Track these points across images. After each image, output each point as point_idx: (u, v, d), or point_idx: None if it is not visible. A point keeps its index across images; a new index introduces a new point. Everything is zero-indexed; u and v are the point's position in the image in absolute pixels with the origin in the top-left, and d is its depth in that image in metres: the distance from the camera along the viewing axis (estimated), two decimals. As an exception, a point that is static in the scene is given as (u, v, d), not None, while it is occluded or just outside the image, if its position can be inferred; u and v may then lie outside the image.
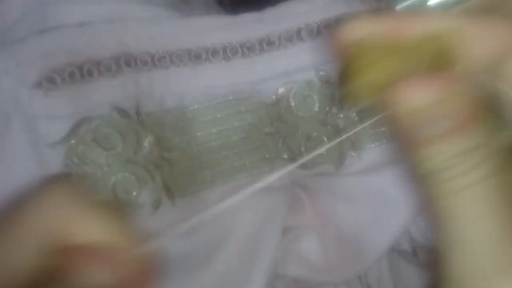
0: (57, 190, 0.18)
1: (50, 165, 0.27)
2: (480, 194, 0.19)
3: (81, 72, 0.27)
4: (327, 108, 0.30)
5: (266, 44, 0.29)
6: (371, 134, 0.31)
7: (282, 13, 0.29)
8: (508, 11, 0.21)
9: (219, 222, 0.29)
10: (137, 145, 0.28)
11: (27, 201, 0.19)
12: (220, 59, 0.29)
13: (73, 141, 0.27)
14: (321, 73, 0.30)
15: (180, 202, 0.29)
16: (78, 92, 0.27)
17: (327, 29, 0.29)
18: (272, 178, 0.21)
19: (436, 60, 0.19)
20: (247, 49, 0.29)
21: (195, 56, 0.28)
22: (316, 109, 0.30)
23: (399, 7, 0.21)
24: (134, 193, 0.28)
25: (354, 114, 0.30)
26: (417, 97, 0.19)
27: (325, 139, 0.30)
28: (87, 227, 0.18)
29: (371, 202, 0.30)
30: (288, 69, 0.29)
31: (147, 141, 0.28)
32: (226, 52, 0.29)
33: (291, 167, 0.21)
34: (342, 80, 0.20)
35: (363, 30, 0.19)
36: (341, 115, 0.30)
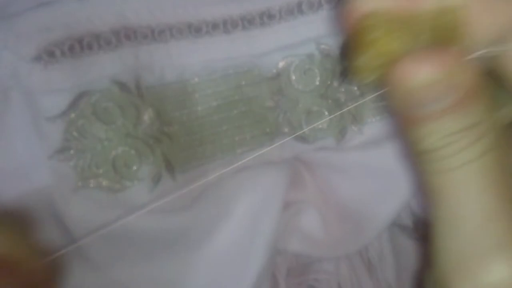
0: None
1: (50, 139, 0.27)
2: (475, 172, 0.19)
3: (81, 45, 0.27)
4: (328, 82, 0.30)
5: (267, 17, 0.29)
6: (372, 108, 0.31)
7: None
8: None
9: (220, 197, 0.29)
10: (137, 119, 0.28)
11: None
12: (220, 33, 0.28)
13: (72, 115, 0.27)
14: (322, 46, 0.29)
15: (180, 177, 0.29)
16: (78, 66, 0.27)
17: (327, 3, 0.29)
18: (271, 148, 0.22)
19: (444, 35, 0.19)
20: (247, 22, 0.29)
21: (195, 30, 0.28)
22: (317, 83, 0.30)
23: None
24: (134, 168, 0.28)
25: (356, 88, 0.30)
26: (419, 73, 0.19)
27: (326, 113, 0.30)
28: None
29: (372, 176, 0.30)
30: (288, 43, 0.29)
31: (147, 115, 0.28)
32: (227, 26, 0.28)
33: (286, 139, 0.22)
34: (350, 53, 0.20)
35: (375, 3, 0.19)
36: (342, 89, 0.30)
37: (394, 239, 0.32)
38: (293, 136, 0.25)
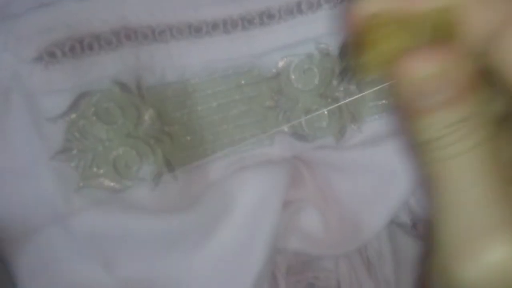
0: None
1: (51, 140, 0.27)
2: (472, 160, 0.21)
3: (82, 45, 0.27)
4: (328, 81, 0.30)
5: (266, 17, 0.29)
6: (371, 107, 0.31)
7: None
8: None
9: (221, 196, 0.29)
10: (138, 119, 0.28)
11: None
12: (220, 33, 0.29)
13: (73, 116, 0.27)
14: (321, 46, 0.30)
15: (181, 176, 0.29)
16: (79, 66, 0.27)
17: (327, 3, 0.29)
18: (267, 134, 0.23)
19: (442, 33, 0.20)
20: (247, 22, 0.29)
21: (196, 30, 0.28)
22: (317, 82, 0.30)
23: None
24: (135, 168, 0.28)
25: (355, 87, 0.31)
26: (420, 68, 0.20)
27: (325, 112, 0.30)
28: None
29: (371, 175, 0.31)
30: (288, 42, 0.29)
31: (148, 115, 0.28)
32: (227, 26, 0.29)
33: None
34: (354, 51, 0.21)
35: (377, 5, 0.20)
36: (341, 88, 0.31)
37: (393, 237, 0.33)
38: (289, 124, 0.26)
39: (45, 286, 0.28)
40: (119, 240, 0.28)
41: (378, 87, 0.23)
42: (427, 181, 0.22)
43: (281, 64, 0.30)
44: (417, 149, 0.22)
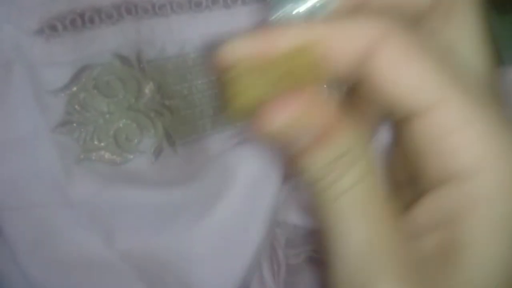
0: None
1: (52, 113, 0.27)
2: (356, 198, 0.20)
3: (83, 19, 0.27)
4: None
5: None
6: None
7: None
8: (370, 9, 0.21)
9: (221, 169, 0.29)
10: (138, 92, 0.28)
11: None
12: (220, 7, 0.29)
13: (74, 88, 0.27)
14: None
15: (181, 150, 0.29)
16: (80, 39, 0.27)
17: None
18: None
19: (304, 73, 0.19)
20: None
21: (196, 4, 0.29)
22: None
23: (272, 18, 0.22)
24: (136, 141, 0.28)
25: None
26: (276, 118, 0.19)
27: None
28: None
29: None
30: None
31: (148, 89, 0.28)
32: (226, 0, 0.29)
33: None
34: (222, 100, 0.20)
35: (237, 52, 0.19)
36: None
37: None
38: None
39: (45, 258, 0.28)
40: (119, 213, 0.28)
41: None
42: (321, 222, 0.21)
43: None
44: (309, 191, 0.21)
